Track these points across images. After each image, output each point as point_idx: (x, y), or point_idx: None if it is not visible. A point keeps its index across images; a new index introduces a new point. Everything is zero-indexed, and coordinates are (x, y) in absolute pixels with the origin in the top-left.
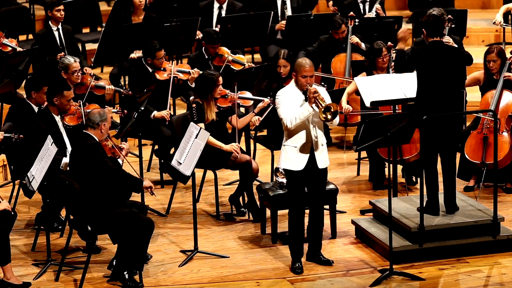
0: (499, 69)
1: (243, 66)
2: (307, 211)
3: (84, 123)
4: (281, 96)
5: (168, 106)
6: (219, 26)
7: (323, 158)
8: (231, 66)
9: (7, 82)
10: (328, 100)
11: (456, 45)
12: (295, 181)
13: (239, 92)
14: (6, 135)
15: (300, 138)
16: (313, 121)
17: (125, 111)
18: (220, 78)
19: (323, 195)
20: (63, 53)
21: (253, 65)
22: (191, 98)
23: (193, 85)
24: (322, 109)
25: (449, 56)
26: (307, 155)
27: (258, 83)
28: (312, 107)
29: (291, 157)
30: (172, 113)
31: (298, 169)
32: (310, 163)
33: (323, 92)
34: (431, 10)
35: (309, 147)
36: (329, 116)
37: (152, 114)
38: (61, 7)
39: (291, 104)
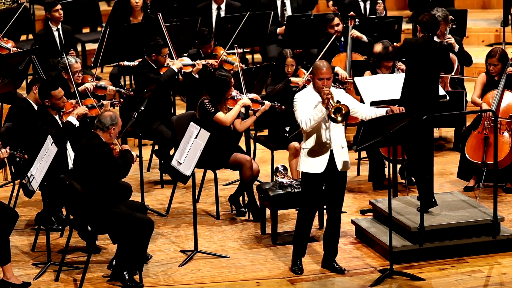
0: (499, 72)
1: (233, 67)
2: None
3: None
4: (299, 98)
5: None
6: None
7: (343, 161)
8: (223, 66)
9: (7, 82)
10: (347, 102)
11: (457, 45)
12: (313, 184)
13: (247, 94)
14: (11, 151)
15: (317, 140)
16: (329, 123)
17: (121, 100)
18: (232, 79)
19: (342, 201)
20: (72, 50)
21: (244, 66)
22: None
23: (197, 76)
24: (332, 110)
25: (437, 52)
26: (326, 158)
27: (258, 81)
28: (325, 108)
29: (310, 160)
30: (172, 112)
31: (318, 171)
32: (330, 165)
33: (342, 94)
34: (434, 10)
35: (327, 149)
36: (339, 118)
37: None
38: (58, 6)
39: (308, 106)
